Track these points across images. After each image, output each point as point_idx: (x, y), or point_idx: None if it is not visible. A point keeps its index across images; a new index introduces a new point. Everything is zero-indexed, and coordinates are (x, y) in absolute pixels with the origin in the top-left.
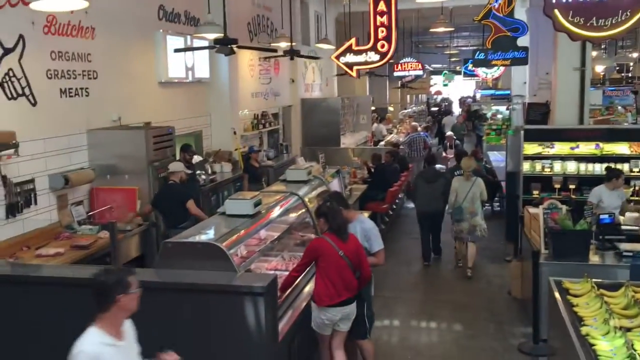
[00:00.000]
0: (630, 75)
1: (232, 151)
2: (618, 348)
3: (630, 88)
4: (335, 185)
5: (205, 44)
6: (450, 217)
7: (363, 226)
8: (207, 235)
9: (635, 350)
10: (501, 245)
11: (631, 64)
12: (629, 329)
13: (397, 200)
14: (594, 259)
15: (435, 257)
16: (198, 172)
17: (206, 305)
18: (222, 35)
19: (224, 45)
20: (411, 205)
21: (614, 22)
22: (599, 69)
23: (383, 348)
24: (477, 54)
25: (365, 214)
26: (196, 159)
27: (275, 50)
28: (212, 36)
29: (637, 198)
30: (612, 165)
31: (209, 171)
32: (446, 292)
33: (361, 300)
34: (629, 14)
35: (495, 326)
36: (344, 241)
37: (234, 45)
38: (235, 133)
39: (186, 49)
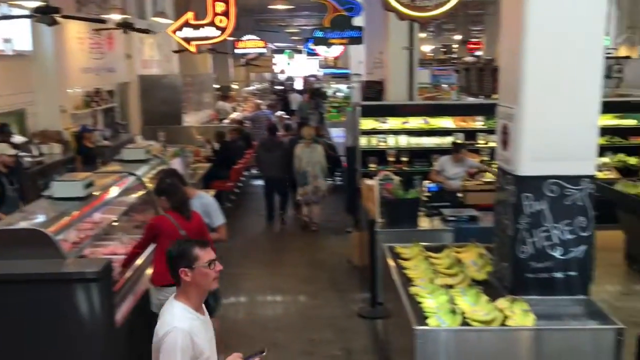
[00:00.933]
0: (454, 56)
1: (62, 131)
2: (442, 304)
3: (454, 68)
4: (177, 164)
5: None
6: (296, 182)
7: (202, 201)
8: (31, 220)
9: (455, 304)
10: (343, 218)
11: (455, 45)
12: (451, 286)
13: (242, 178)
14: (424, 224)
15: (281, 225)
16: (21, 153)
17: (33, 297)
18: (44, 3)
19: (45, 15)
20: (258, 182)
21: (436, 3)
22: (427, 49)
23: (229, 325)
24: (316, 33)
25: (211, 193)
26: (17, 139)
27: (104, 22)
28: (32, 4)
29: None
30: (438, 138)
31: (35, 153)
32: (292, 266)
33: None
34: None
35: (337, 295)
36: (187, 219)
37: (57, 15)
38: (65, 111)
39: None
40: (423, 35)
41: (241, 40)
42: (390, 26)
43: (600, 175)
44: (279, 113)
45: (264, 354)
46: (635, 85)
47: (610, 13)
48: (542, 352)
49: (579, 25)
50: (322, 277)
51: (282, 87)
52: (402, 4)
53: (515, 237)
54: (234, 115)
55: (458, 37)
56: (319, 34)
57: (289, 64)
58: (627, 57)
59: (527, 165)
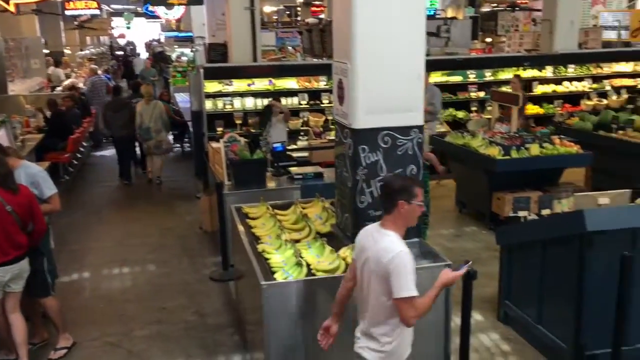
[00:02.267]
0: (298, 18)
1: None
2: (288, 258)
3: (297, 30)
4: (2, 137)
5: None
6: (139, 137)
7: (28, 171)
8: None
9: (302, 258)
10: (193, 184)
11: (299, 8)
12: (298, 240)
13: (81, 149)
14: (271, 184)
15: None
16: None
17: None
18: None
19: None
20: (100, 152)
21: None
22: (268, 10)
23: (73, 302)
24: None
25: (44, 165)
26: None
27: None
28: None
29: (305, 128)
30: (283, 98)
31: None
32: (140, 236)
33: (39, 254)
34: None
35: (188, 260)
36: (13, 193)
37: None
38: None
39: None
40: None
41: (71, 1)
42: None
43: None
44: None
45: (470, 262)
46: (461, 45)
47: None
48: None
49: None
50: (172, 245)
51: (123, 53)
52: None
53: (355, 188)
54: (68, 82)
55: None
56: None
57: (129, 27)
58: (454, 18)
59: (362, 118)
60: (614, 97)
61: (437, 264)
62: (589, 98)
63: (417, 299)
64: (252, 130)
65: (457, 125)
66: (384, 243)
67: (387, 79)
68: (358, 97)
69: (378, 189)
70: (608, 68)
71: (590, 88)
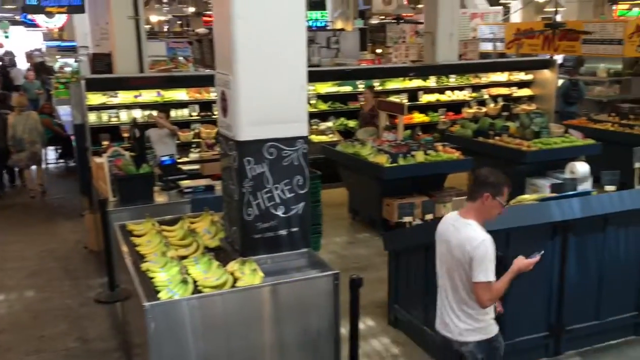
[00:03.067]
0: (190, 28)
1: None
2: (173, 276)
3: (188, 40)
4: None
5: None
6: (11, 149)
7: None
8: None
9: (188, 274)
10: (77, 201)
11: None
12: (186, 257)
13: None
14: (160, 199)
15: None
16: None
17: None
18: None
19: None
20: None
21: None
22: (155, 18)
23: None
24: (28, 0)
25: None
26: None
27: None
28: None
29: (197, 140)
30: (173, 110)
31: None
32: (17, 259)
33: None
34: None
35: (71, 283)
36: None
37: None
38: None
39: None
40: (156, 5)
41: None
42: None
43: (325, 138)
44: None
45: (542, 252)
46: (350, 55)
47: None
48: (273, 305)
49: None
50: (53, 267)
51: (1, 63)
52: None
53: (242, 201)
54: None
55: (191, 9)
56: (32, 1)
57: (7, 36)
58: (342, 30)
59: (246, 130)
60: (492, 105)
61: (325, 274)
62: (469, 106)
63: (494, 284)
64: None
65: (349, 134)
66: (467, 232)
67: (271, 90)
68: (241, 109)
69: (265, 200)
70: (486, 78)
71: (470, 97)
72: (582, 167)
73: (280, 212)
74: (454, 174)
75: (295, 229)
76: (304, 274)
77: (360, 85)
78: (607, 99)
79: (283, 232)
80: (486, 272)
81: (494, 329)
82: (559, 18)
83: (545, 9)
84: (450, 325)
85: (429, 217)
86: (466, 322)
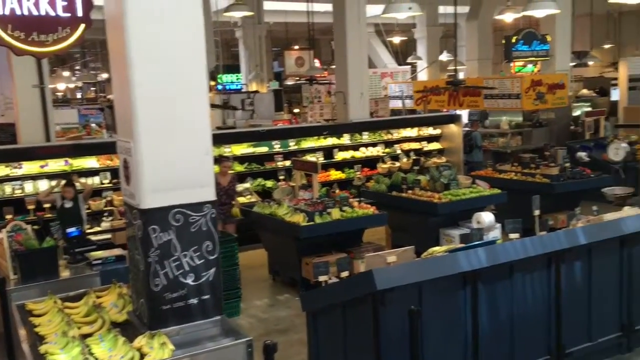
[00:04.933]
0: (104, 94)
1: None
2: (75, 357)
3: (98, 107)
4: None
5: None
6: None
7: None
8: None
9: (92, 354)
10: None
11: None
12: (90, 334)
13: None
14: (66, 273)
15: None
16: None
17: None
18: None
19: None
20: None
21: (55, 38)
22: (62, 86)
23: None
24: None
25: None
26: None
27: None
28: None
29: (109, 208)
30: (82, 179)
31: None
32: None
33: None
34: (69, 30)
35: None
36: None
37: None
38: None
39: None
40: (66, 73)
41: None
42: (14, 63)
43: (243, 200)
44: None
45: None
46: (265, 116)
47: (240, 52)
48: None
49: (183, 61)
50: None
51: None
52: (16, 38)
53: (148, 271)
54: None
55: (106, 75)
56: None
57: None
58: (257, 92)
59: (150, 197)
60: (405, 160)
61: (238, 341)
62: (383, 162)
63: None
64: (48, 215)
65: (267, 194)
66: None
67: (174, 155)
68: (144, 176)
69: (173, 269)
70: (397, 133)
71: (384, 152)
72: (487, 217)
73: (189, 280)
74: (373, 229)
75: (206, 297)
76: (217, 344)
77: (276, 145)
78: (511, 150)
79: (194, 300)
80: None
81: None
82: (462, 76)
83: (449, 67)
84: None
85: (344, 274)
86: None
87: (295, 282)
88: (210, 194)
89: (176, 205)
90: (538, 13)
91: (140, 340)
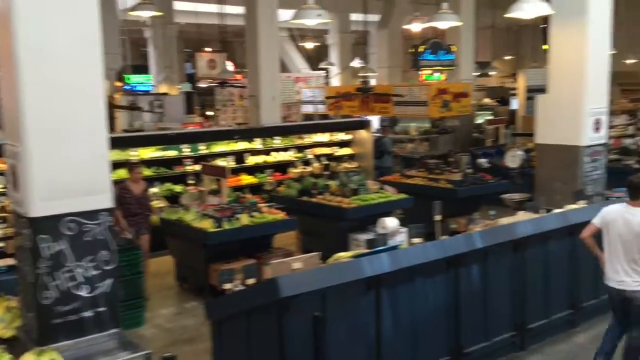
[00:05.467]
0: None
1: None
2: None
3: None
4: None
5: None
6: None
7: None
8: None
9: None
10: None
11: None
12: None
13: None
14: None
15: None
16: None
17: None
18: None
19: None
20: None
21: None
22: None
23: None
24: None
25: None
26: None
27: None
28: None
29: (4, 214)
30: None
31: None
32: None
33: None
34: None
35: None
36: None
37: None
38: None
39: None
40: None
41: None
42: None
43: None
44: None
45: None
46: (174, 119)
47: (149, 53)
48: None
49: (76, 58)
50: None
51: None
52: None
53: (37, 284)
54: None
55: None
56: None
57: None
58: (166, 94)
59: (40, 205)
60: (316, 165)
61: (135, 355)
62: (295, 166)
63: None
64: None
65: (176, 200)
66: None
67: (66, 160)
68: (33, 182)
69: (65, 281)
70: (309, 138)
71: (295, 157)
72: (391, 222)
73: (84, 292)
74: (283, 234)
75: (102, 309)
76: (112, 358)
77: (186, 149)
78: (419, 156)
79: (88, 313)
80: None
81: None
82: (373, 82)
83: (361, 74)
84: (628, 280)
85: (251, 281)
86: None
87: (203, 290)
88: (106, 201)
89: (69, 214)
90: (442, 25)
91: (28, 357)
